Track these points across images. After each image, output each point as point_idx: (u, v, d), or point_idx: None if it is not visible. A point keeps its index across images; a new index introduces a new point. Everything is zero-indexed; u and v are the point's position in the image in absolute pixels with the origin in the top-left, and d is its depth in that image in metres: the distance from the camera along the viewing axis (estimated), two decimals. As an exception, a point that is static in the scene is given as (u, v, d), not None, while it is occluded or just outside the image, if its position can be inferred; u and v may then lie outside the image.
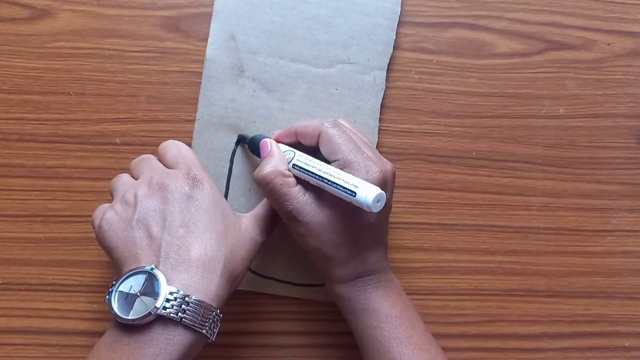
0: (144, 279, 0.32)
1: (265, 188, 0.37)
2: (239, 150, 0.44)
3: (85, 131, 0.44)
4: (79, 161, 0.44)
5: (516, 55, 0.47)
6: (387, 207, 0.38)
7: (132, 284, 0.32)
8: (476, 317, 0.46)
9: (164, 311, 0.31)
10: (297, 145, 0.39)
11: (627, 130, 0.48)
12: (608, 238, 0.47)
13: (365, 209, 0.34)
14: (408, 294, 0.45)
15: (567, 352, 0.47)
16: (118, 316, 0.32)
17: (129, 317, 0.32)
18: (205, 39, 0.44)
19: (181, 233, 0.34)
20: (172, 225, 0.34)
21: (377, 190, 0.33)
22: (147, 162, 0.38)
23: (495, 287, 0.46)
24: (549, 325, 0.47)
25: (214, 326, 0.33)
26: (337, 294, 0.39)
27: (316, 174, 0.36)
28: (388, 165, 0.38)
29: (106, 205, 0.37)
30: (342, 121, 0.40)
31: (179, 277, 0.33)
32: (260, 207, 0.40)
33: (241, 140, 0.43)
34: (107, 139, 0.44)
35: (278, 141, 0.40)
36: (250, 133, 0.44)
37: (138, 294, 0.32)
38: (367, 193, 0.33)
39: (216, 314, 0.33)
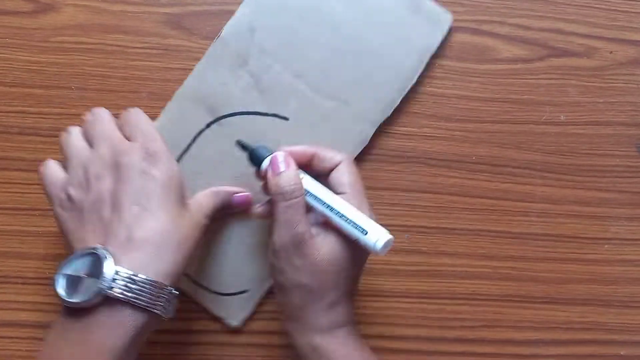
0: (90, 261, 0.32)
1: (287, 201, 0.35)
2: (207, 136, 0.43)
3: (86, 126, 0.44)
4: (79, 156, 0.44)
5: (518, 61, 0.47)
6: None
7: (79, 267, 0.32)
8: (472, 322, 0.46)
9: (109, 292, 0.30)
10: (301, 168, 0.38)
11: (628, 139, 0.48)
12: (606, 246, 0.47)
13: (372, 250, 0.33)
14: (405, 297, 0.46)
15: (563, 359, 0.46)
16: (64, 300, 0.31)
17: (75, 300, 0.31)
18: (209, 37, 0.45)
19: (135, 211, 0.33)
20: (125, 205, 0.33)
21: (389, 235, 0.33)
22: (101, 127, 0.36)
23: (492, 292, 0.46)
24: (545, 332, 0.46)
25: (168, 305, 0.33)
26: (313, 346, 0.36)
27: (328, 204, 0.35)
28: None
29: (59, 174, 0.36)
30: None
31: (128, 256, 0.32)
32: (209, 195, 0.39)
33: (241, 145, 0.40)
34: (107, 134, 0.45)
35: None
36: (229, 126, 0.43)
37: (84, 276, 0.31)
38: (379, 236, 0.33)
39: (169, 292, 0.33)
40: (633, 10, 0.48)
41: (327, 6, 0.44)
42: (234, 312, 0.43)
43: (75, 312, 0.31)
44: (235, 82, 0.44)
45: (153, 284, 0.31)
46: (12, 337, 0.44)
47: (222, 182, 0.43)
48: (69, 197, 0.34)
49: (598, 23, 0.48)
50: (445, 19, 0.45)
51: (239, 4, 0.45)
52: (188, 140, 0.43)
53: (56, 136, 0.44)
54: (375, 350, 0.44)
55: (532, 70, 0.47)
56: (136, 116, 0.37)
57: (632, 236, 0.48)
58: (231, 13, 0.45)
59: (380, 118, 0.45)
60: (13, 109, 0.44)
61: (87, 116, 0.38)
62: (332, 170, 0.38)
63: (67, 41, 0.45)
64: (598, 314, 0.47)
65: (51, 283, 0.32)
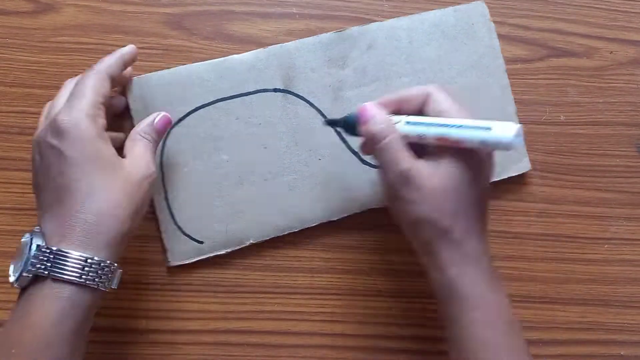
0: (28, 244, 0.33)
1: (380, 144, 0.34)
2: (266, 97, 0.43)
3: (86, 126, 0.44)
4: (79, 156, 0.44)
5: (518, 61, 0.47)
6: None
7: (23, 252, 0.33)
8: (472, 322, 0.46)
9: (32, 269, 0.31)
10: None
11: (627, 139, 0.48)
12: (606, 246, 0.47)
13: (504, 144, 0.31)
14: (405, 297, 0.46)
15: (563, 359, 0.46)
16: (12, 283, 0.33)
17: (11, 281, 0.33)
18: (209, 38, 0.45)
19: (52, 186, 0.34)
20: (44, 184, 0.34)
21: (516, 124, 0.31)
22: (58, 98, 0.37)
23: (492, 292, 0.46)
24: (544, 332, 0.46)
25: (100, 276, 0.32)
26: (445, 282, 0.34)
27: (439, 123, 0.33)
28: None
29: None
30: None
31: (47, 232, 0.33)
32: (142, 146, 0.38)
33: (330, 123, 0.42)
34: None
35: None
36: (290, 103, 0.44)
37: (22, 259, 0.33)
38: (505, 127, 0.30)
39: (99, 263, 0.32)
40: (633, 10, 0.48)
41: (418, 53, 0.45)
42: (178, 253, 0.43)
43: (20, 294, 0.33)
44: (323, 76, 0.44)
45: (75, 256, 0.32)
46: (12, 337, 0.44)
47: (249, 144, 0.43)
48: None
49: (598, 23, 0.48)
50: (480, 7, 0.46)
51: (239, 4, 0.45)
52: (249, 88, 0.44)
53: (56, 136, 0.44)
54: (375, 350, 0.45)
55: (532, 71, 0.47)
56: (84, 76, 0.37)
57: (631, 236, 0.48)
58: (231, 13, 0.45)
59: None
60: (13, 109, 0.44)
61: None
62: (424, 105, 0.36)
63: (67, 41, 0.45)
64: (597, 314, 0.47)
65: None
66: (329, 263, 0.45)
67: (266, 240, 0.44)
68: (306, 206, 0.44)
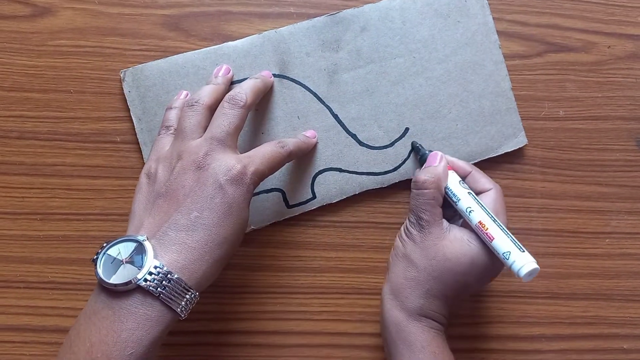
0: (133, 248, 0.33)
1: (419, 189, 0.39)
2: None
3: (85, 129, 0.44)
4: (78, 159, 0.44)
5: (516, 57, 0.47)
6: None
7: (121, 250, 0.33)
8: (475, 318, 0.46)
9: (144, 283, 0.32)
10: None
11: (627, 133, 0.48)
12: (607, 240, 0.47)
13: (515, 271, 0.35)
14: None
15: (566, 354, 0.46)
16: (100, 278, 0.33)
17: (110, 281, 0.32)
18: (206, 39, 0.45)
19: (193, 217, 0.34)
20: (189, 208, 0.34)
21: (536, 265, 0.34)
22: (225, 122, 0.37)
23: (494, 288, 0.46)
24: (547, 327, 0.46)
25: (188, 307, 0.34)
26: (397, 322, 0.38)
27: (489, 213, 0.37)
28: None
29: (165, 148, 0.38)
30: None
31: (169, 254, 0.33)
32: None
33: (414, 148, 0.45)
34: (107, 137, 0.44)
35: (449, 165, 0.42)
36: (285, 88, 0.44)
37: (124, 261, 0.33)
38: (527, 262, 0.34)
39: (194, 296, 0.34)
40: (630, 5, 0.48)
41: (412, 33, 0.45)
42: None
43: (107, 297, 0.33)
44: (317, 59, 0.44)
45: (185, 286, 0.33)
46: (14, 342, 0.44)
47: (247, 130, 0.44)
48: (156, 172, 0.37)
49: (595, 18, 0.48)
50: None
51: (237, 4, 0.45)
52: (245, 74, 0.44)
53: (55, 139, 0.44)
54: (379, 348, 0.45)
55: (530, 66, 0.47)
56: (276, 145, 0.39)
57: (632, 230, 0.48)
58: (229, 14, 0.45)
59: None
60: (12, 114, 0.44)
61: (226, 100, 0.38)
62: (479, 193, 0.40)
63: (65, 44, 0.44)
64: (600, 308, 0.47)
65: (93, 258, 0.34)
66: (331, 262, 0.45)
67: (267, 241, 0.44)
68: (305, 191, 0.44)
